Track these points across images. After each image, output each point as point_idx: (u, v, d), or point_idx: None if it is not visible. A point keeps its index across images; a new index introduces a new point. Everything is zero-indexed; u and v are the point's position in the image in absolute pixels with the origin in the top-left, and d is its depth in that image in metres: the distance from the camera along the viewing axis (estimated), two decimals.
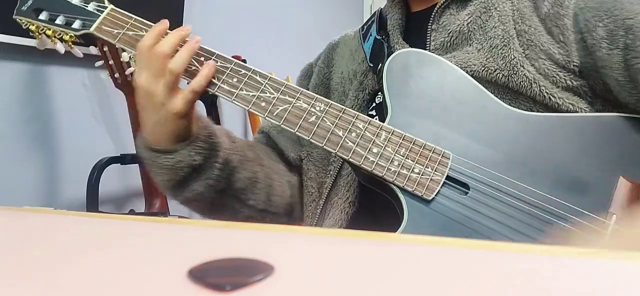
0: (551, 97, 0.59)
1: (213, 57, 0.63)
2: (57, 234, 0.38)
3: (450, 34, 0.66)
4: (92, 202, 1.29)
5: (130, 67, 1.30)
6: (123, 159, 1.38)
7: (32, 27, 0.69)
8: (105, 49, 1.26)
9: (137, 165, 1.42)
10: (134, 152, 1.39)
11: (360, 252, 0.30)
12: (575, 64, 0.59)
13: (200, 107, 1.74)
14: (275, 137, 0.80)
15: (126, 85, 1.32)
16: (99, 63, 1.31)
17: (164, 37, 0.61)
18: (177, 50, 0.60)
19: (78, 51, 0.76)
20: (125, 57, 1.27)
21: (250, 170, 0.72)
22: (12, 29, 1.25)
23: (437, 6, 0.68)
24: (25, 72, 1.34)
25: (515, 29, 0.62)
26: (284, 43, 2.32)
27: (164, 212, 1.43)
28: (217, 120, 1.75)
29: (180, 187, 0.67)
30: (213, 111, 1.74)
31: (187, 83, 0.62)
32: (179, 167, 0.64)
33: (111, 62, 1.29)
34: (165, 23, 0.62)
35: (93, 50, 1.29)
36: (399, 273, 0.26)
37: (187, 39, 0.62)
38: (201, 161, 0.65)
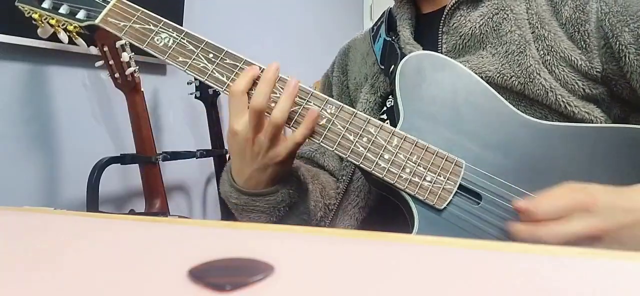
0: (567, 105, 0.58)
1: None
2: (57, 234, 0.38)
3: (462, 37, 0.64)
4: (92, 202, 1.29)
5: (130, 67, 1.30)
6: (123, 159, 1.38)
7: (35, 15, 0.67)
8: (105, 48, 1.26)
9: (137, 165, 1.42)
10: (134, 151, 1.40)
11: (360, 252, 0.30)
12: (597, 70, 0.58)
13: (200, 107, 1.75)
14: (320, 159, 0.78)
15: (126, 85, 1.32)
16: (99, 63, 1.31)
17: (257, 82, 0.57)
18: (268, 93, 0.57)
19: (82, 42, 0.72)
20: (125, 57, 1.27)
21: (320, 196, 0.72)
22: (12, 29, 1.25)
23: (447, 8, 0.66)
24: (25, 72, 1.34)
25: (532, 33, 0.61)
26: (284, 43, 2.32)
27: (164, 212, 1.43)
28: (217, 120, 1.75)
29: None
30: (213, 111, 1.74)
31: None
32: (280, 207, 0.63)
33: (111, 62, 1.28)
34: (255, 69, 0.58)
35: (93, 50, 1.29)
36: (399, 273, 0.26)
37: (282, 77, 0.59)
38: (297, 198, 0.65)
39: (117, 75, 1.30)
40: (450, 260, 0.28)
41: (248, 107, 0.57)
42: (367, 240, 0.32)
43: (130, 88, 1.33)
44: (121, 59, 1.27)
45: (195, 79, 1.69)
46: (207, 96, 1.72)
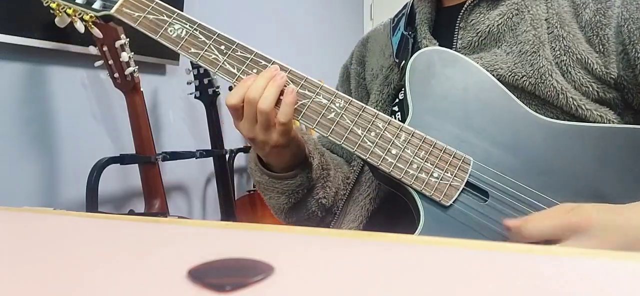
0: (578, 107, 0.57)
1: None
2: (56, 234, 0.38)
3: (479, 34, 0.64)
4: (92, 202, 1.29)
5: (129, 66, 1.30)
6: (123, 159, 1.38)
7: (53, 5, 0.69)
8: (105, 48, 1.26)
9: (136, 165, 1.42)
10: (134, 152, 1.40)
11: (360, 253, 0.30)
12: (612, 76, 0.57)
13: (200, 107, 1.75)
14: (338, 149, 0.80)
15: (126, 85, 1.32)
16: (99, 63, 1.30)
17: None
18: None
19: (98, 31, 0.75)
20: (124, 57, 1.27)
21: (341, 183, 0.73)
22: (12, 29, 1.25)
23: (467, 3, 0.66)
24: (25, 72, 1.33)
25: (549, 34, 0.60)
26: (284, 43, 2.32)
27: (163, 212, 1.42)
28: (216, 120, 1.75)
29: (296, 209, 0.68)
30: (212, 111, 1.74)
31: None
32: (298, 190, 0.66)
33: (111, 62, 1.28)
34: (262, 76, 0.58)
35: (93, 49, 1.29)
36: (399, 273, 0.26)
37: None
38: (315, 181, 0.67)
39: (116, 75, 1.29)
40: (450, 261, 0.28)
41: (246, 110, 0.59)
42: (367, 240, 0.32)
43: (130, 88, 1.33)
44: (120, 59, 1.27)
45: (195, 79, 1.70)
46: (207, 96, 1.72)
